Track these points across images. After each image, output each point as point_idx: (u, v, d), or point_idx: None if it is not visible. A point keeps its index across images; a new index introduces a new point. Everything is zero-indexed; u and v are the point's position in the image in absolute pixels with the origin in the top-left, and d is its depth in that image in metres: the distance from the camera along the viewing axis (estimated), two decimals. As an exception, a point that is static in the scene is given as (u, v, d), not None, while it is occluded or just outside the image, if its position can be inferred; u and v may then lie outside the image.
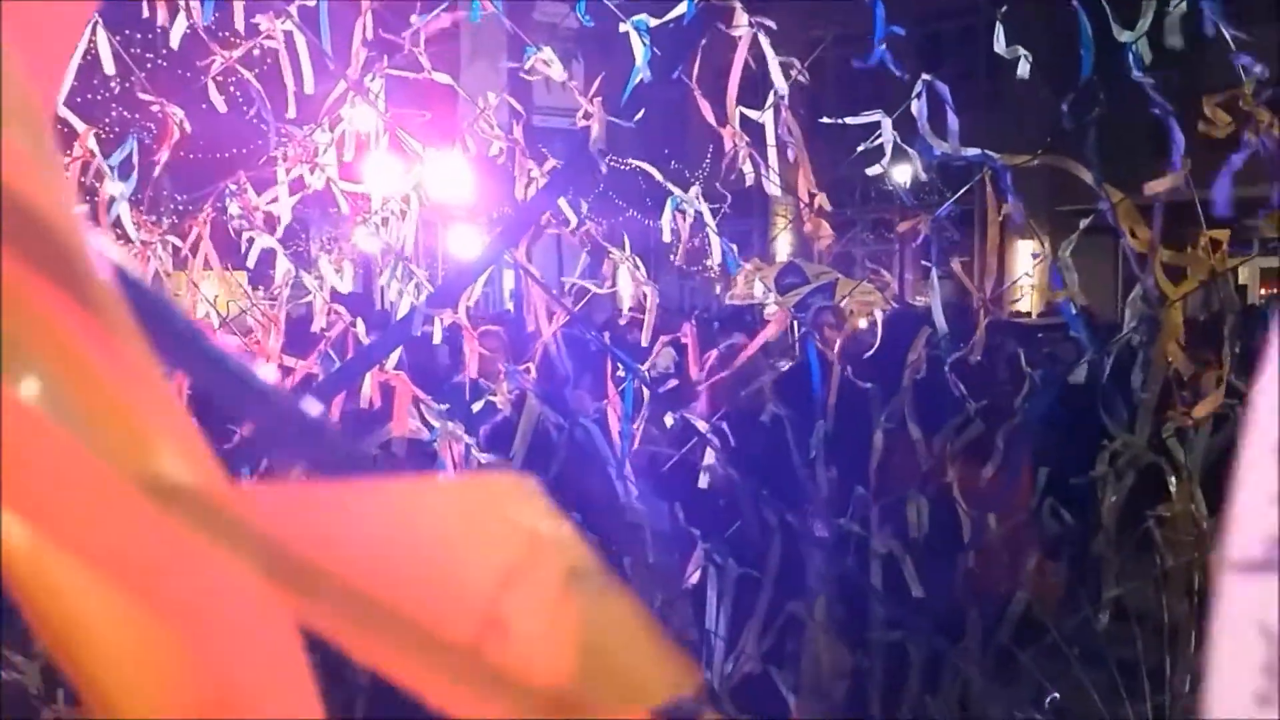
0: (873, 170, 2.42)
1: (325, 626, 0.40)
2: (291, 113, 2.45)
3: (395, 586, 0.39)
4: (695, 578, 2.35)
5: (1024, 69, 2.09)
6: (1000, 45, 2.10)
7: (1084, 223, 2.07)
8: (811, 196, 2.36)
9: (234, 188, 2.45)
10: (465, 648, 0.39)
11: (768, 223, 14.56)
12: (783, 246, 13.22)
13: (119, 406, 0.36)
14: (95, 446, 0.35)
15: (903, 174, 3.01)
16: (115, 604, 0.38)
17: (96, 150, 2.19)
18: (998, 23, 2.06)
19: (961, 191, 2.26)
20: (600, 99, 2.25)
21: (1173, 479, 1.93)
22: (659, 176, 2.36)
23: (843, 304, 5.11)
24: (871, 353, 2.63)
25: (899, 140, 2.35)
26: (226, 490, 0.38)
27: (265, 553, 0.38)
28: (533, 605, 0.40)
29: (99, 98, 5.04)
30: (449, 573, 0.40)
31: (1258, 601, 0.41)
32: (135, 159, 2.33)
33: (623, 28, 2.32)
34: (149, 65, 5.65)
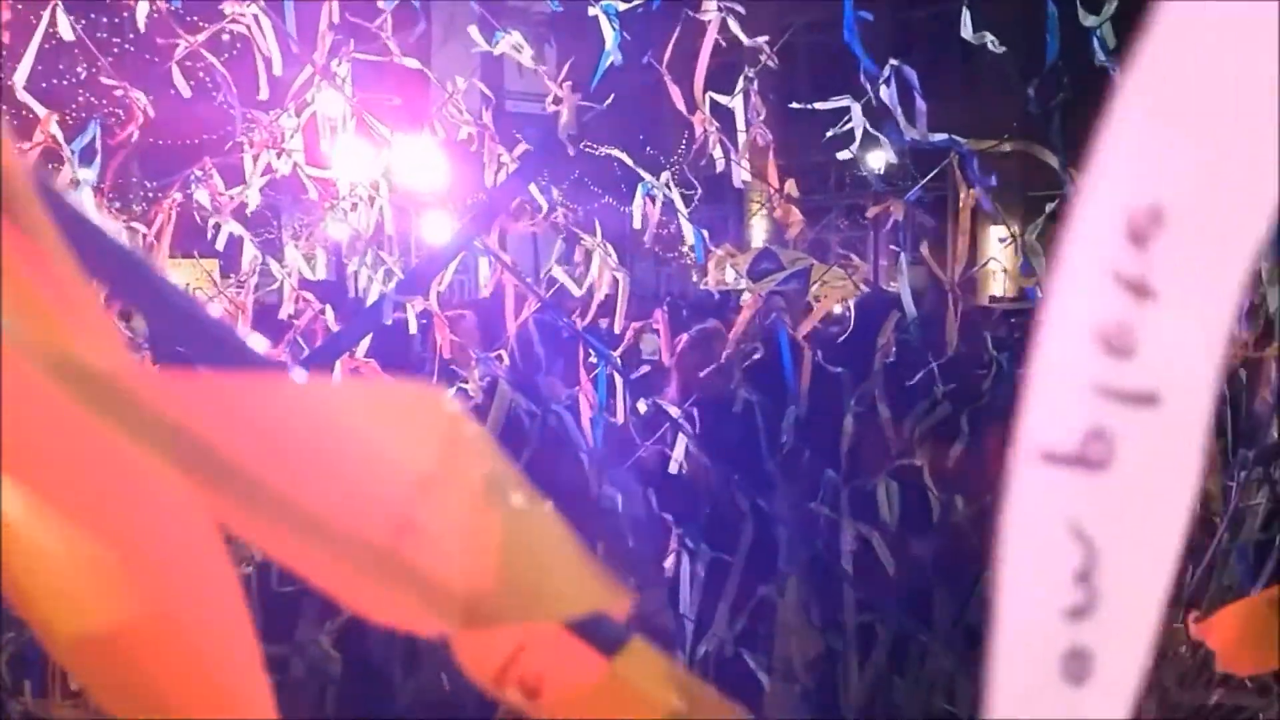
0: (843, 155, 2.43)
1: (239, 524, 0.40)
2: (264, 95, 2.43)
3: (308, 483, 0.39)
4: (670, 564, 2.36)
5: (993, 48, 2.10)
6: (968, 31, 2.10)
7: (1050, 207, 2.08)
8: (781, 182, 2.36)
9: (200, 174, 2.43)
10: (378, 548, 0.39)
11: (744, 209, 14.59)
12: (759, 233, 13.23)
13: (33, 298, 0.36)
14: (9, 334, 0.35)
15: (876, 160, 3.02)
16: (38, 507, 0.38)
17: (59, 135, 2.16)
18: (965, 8, 2.07)
19: (929, 177, 2.27)
20: (570, 84, 2.24)
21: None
22: (629, 162, 2.36)
23: (814, 289, 5.13)
24: (844, 337, 2.64)
25: (869, 126, 2.36)
26: (139, 377, 0.38)
27: (178, 442, 0.37)
28: (449, 511, 0.40)
29: (65, 83, 4.98)
30: (363, 473, 0.39)
31: (1072, 500, 0.37)
32: (98, 144, 2.31)
33: (592, 11, 2.31)
34: (116, 50, 5.58)
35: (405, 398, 0.41)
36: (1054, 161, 2.03)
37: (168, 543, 0.40)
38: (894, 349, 2.41)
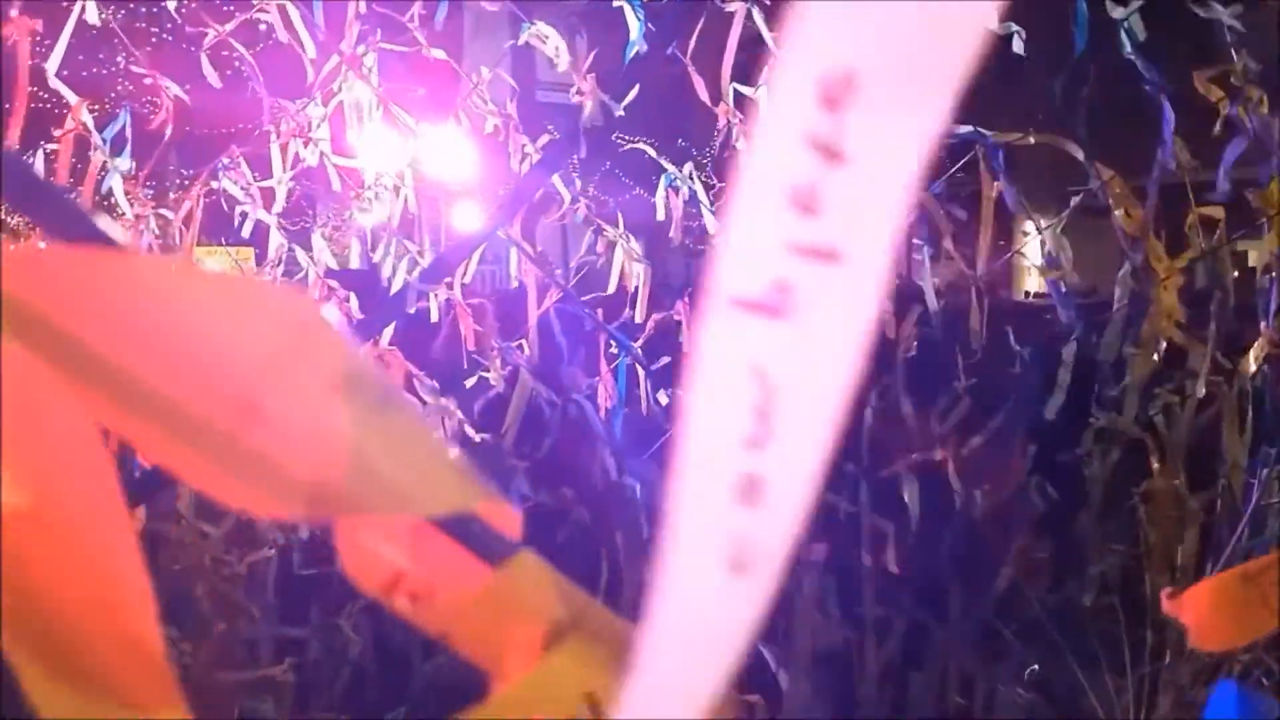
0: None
1: (107, 415, 0.41)
2: (311, 75, 2.44)
3: (156, 363, 0.40)
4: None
5: (1018, 45, 2.08)
6: (994, 22, 2.09)
7: (1074, 200, 2.06)
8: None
9: (227, 162, 2.46)
10: (222, 431, 0.40)
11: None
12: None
13: None
14: None
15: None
16: None
17: (90, 123, 2.20)
18: (990, -1, 2.04)
19: (954, 170, 2.26)
20: (594, 75, 2.25)
21: (1156, 457, 1.93)
22: (652, 153, 2.36)
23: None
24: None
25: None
26: None
27: (34, 322, 0.39)
28: (296, 400, 0.41)
29: (104, 72, 5.05)
30: (210, 356, 0.41)
31: (755, 343, 0.39)
32: (128, 132, 2.34)
33: (617, 2, 2.31)
34: (154, 39, 5.65)
35: (260, 291, 0.43)
36: (1079, 154, 2.01)
37: (46, 435, 0.41)
38: (915, 343, 2.40)
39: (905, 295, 3.31)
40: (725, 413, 0.40)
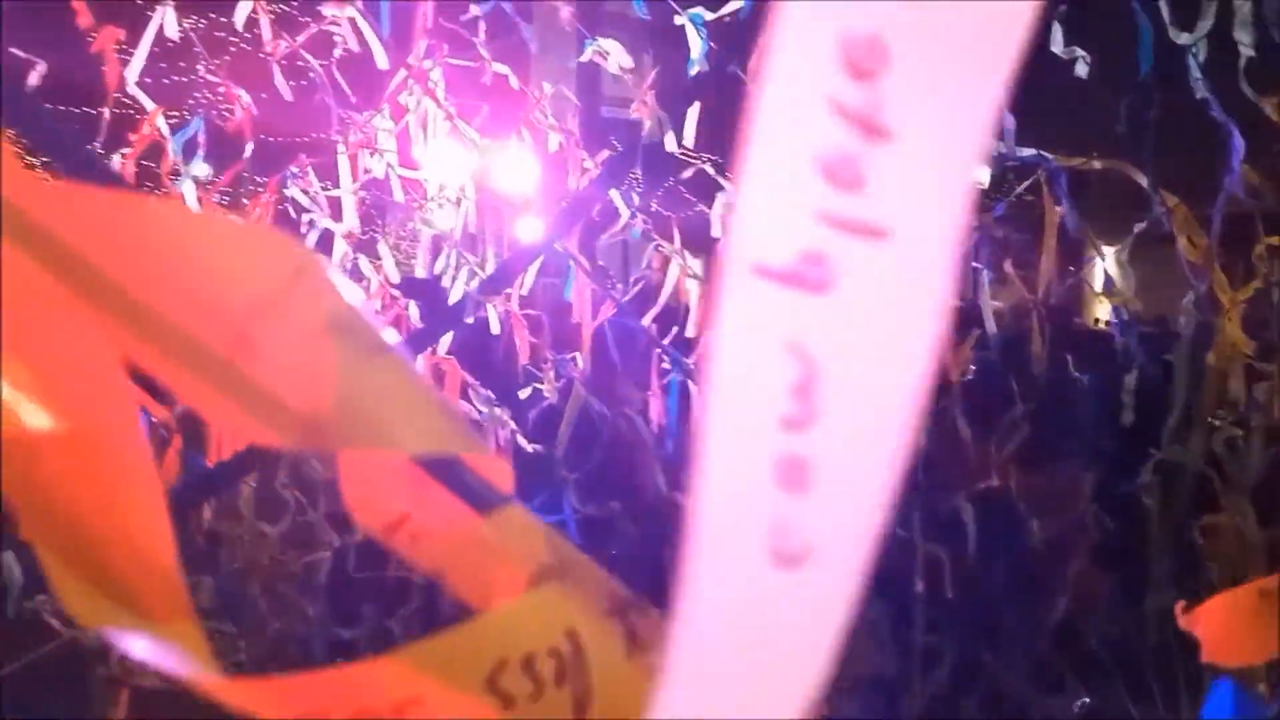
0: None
1: (120, 340, 0.45)
2: (395, 80, 2.49)
3: (160, 292, 0.44)
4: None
5: (1081, 70, 2.06)
6: (1058, 45, 2.06)
7: (1138, 227, 2.03)
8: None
9: (295, 171, 2.52)
10: (219, 358, 0.44)
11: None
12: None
13: None
14: None
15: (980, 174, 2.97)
16: None
17: (165, 130, 2.27)
18: (1056, 23, 2.02)
19: (1017, 193, 2.23)
20: (653, 91, 2.27)
21: (1220, 490, 1.88)
22: (710, 170, 2.37)
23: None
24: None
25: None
26: (17, 179, 0.43)
27: (62, 251, 0.43)
28: (285, 335, 0.45)
29: (183, 80, 5.20)
30: (209, 289, 0.45)
31: (788, 316, 0.36)
32: (200, 138, 2.41)
33: (678, 20, 2.33)
34: (231, 50, 5.80)
35: (258, 234, 0.47)
36: (1143, 180, 1.97)
37: (74, 367, 0.45)
38: (974, 366, 2.37)
39: (965, 318, 3.27)
40: (758, 390, 0.37)
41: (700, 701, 0.40)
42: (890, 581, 2.33)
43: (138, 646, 0.46)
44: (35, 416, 0.45)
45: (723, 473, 0.38)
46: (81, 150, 0.51)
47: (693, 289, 2.34)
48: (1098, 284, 2.54)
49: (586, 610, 0.54)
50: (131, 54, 2.25)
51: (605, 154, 2.44)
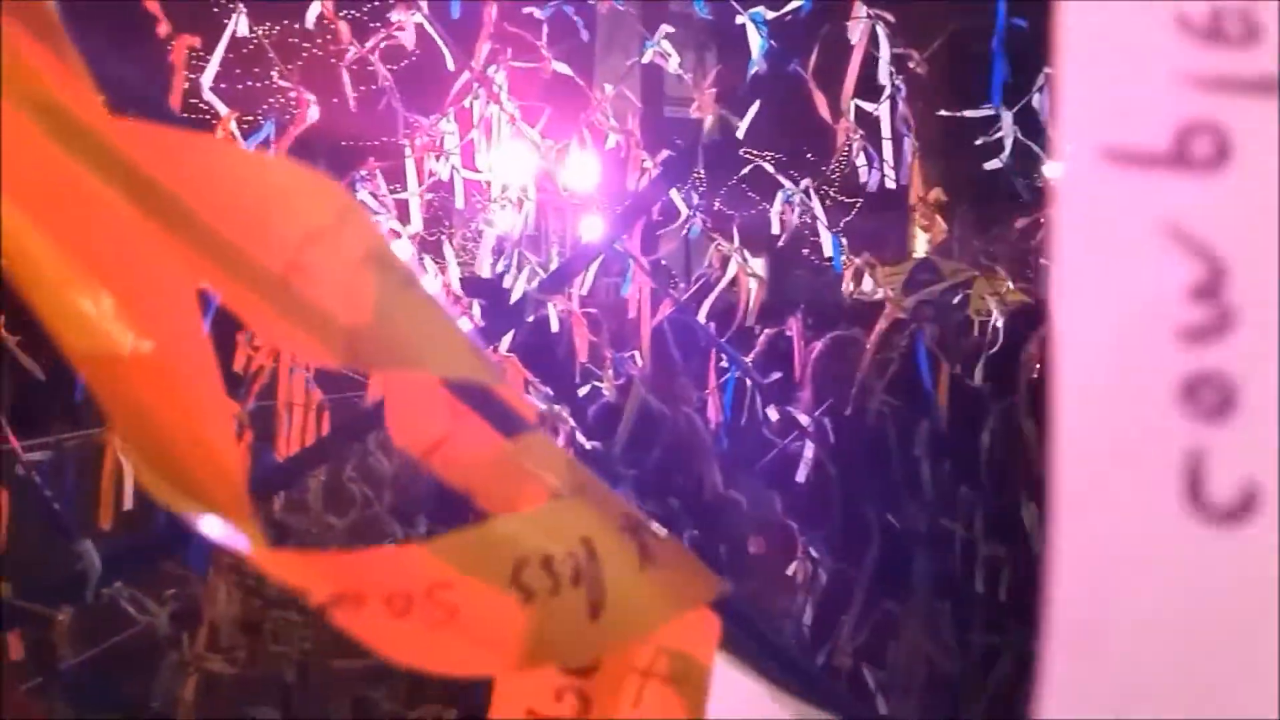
0: (991, 165, 2.38)
1: (191, 263, 0.51)
2: (459, 83, 2.55)
3: (230, 223, 0.51)
4: (794, 570, 2.36)
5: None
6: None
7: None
8: (926, 190, 2.34)
9: (364, 174, 2.57)
10: (274, 275, 0.51)
11: (907, 218, 14.27)
12: (922, 243, 12.92)
13: (28, 68, 0.48)
14: (7, 93, 0.47)
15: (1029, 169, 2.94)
16: (58, 253, 0.50)
17: (238, 135, 2.34)
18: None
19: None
20: (714, 90, 2.28)
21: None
22: (770, 168, 2.37)
23: (975, 303, 4.99)
24: (994, 351, 2.58)
25: (1020, 134, 2.31)
26: (105, 120, 0.50)
27: (135, 180, 0.49)
28: (331, 264, 0.52)
29: (258, 85, 5.34)
30: (266, 218, 0.52)
31: (1174, 205, 0.30)
32: (271, 141, 2.48)
33: (739, 19, 2.34)
34: (303, 55, 5.95)
35: (311, 176, 0.54)
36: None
37: (154, 294, 0.52)
38: (1040, 365, 2.34)
39: (1034, 315, 3.22)
40: (1140, 300, 0.29)
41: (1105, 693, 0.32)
42: (950, 580, 2.31)
43: (206, 526, 0.53)
44: (122, 337, 0.51)
45: (1104, 410, 0.29)
46: (152, 94, 0.61)
47: (752, 287, 2.35)
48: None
49: (603, 524, 0.60)
50: (206, 60, 2.32)
51: (665, 154, 2.45)
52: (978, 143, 2.33)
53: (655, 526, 0.62)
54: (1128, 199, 0.30)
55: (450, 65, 2.49)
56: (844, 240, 2.41)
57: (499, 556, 0.56)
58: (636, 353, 2.37)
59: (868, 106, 2.36)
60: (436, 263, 2.66)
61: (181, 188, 0.50)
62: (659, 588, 0.59)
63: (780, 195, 2.41)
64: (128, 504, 1.96)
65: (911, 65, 2.33)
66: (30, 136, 0.48)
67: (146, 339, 0.52)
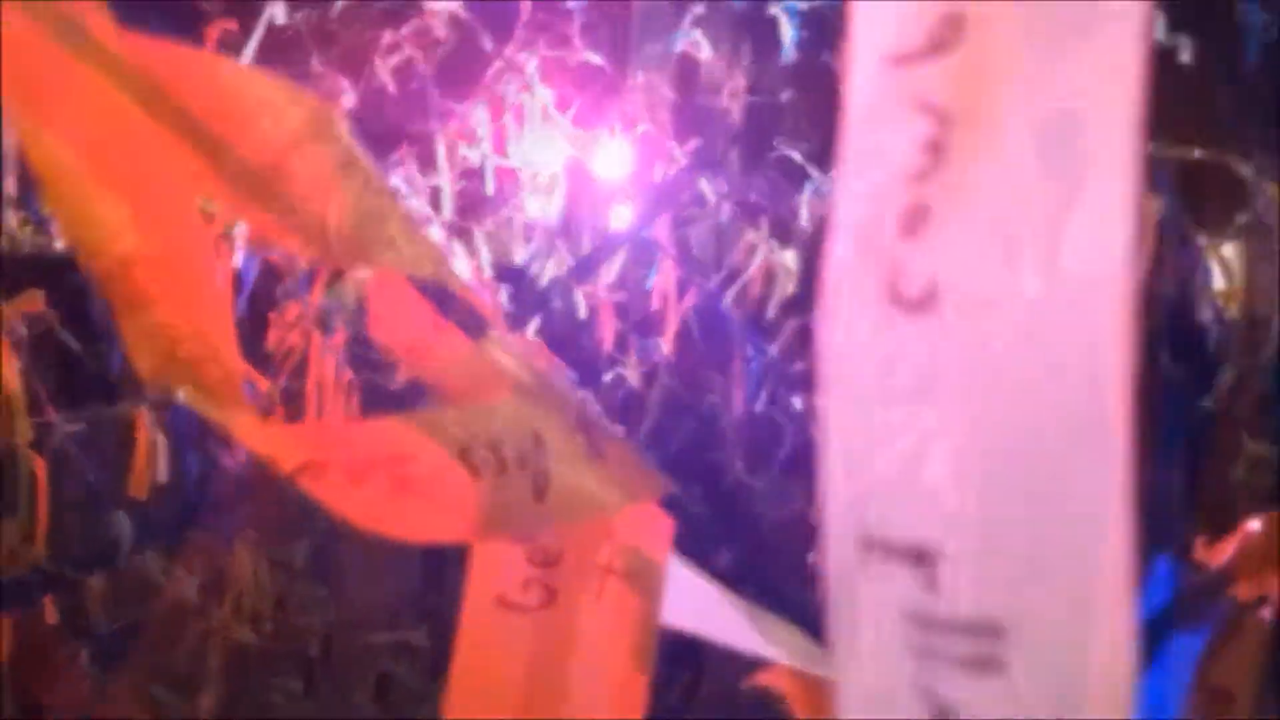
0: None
1: (193, 166, 0.58)
2: (492, 71, 2.57)
3: (226, 128, 0.58)
4: (812, 560, 2.36)
5: (1187, 53, 2.00)
6: (1161, 33, 2.01)
7: (1241, 219, 1.97)
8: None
9: (397, 160, 2.59)
10: (263, 171, 0.58)
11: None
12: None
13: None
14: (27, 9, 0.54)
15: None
16: (79, 162, 0.57)
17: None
18: (1158, 9, 1.97)
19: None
20: (744, 81, 2.28)
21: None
22: (798, 158, 2.38)
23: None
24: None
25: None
26: (111, 30, 0.56)
27: (142, 87, 0.55)
28: (311, 169, 0.58)
29: (293, 72, 5.39)
30: (257, 121, 0.59)
31: (921, 82, 0.37)
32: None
33: (772, 10, 2.34)
34: (338, 42, 5.97)
35: (294, 90, 0.62)
36: (1247, 172, 1.92)
37: (159, 197, 0.59)
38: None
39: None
40: (888, 155, 0.38)
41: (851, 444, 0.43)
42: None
43: (201, 406, 0.61)
44: (130, 240, 0.58)
45: (858, 246, 0.40)
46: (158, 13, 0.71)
47: (780, 277, 2.35)
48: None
49: (554, 419, 0.68)
50: (243, 44, 2.35)
51: (695, 143, 2.46)
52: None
53: (605, 425, 0.74)
54: (895, 89, 0.38)
55: (485, 50, 2.50)
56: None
57: (451, 434, 0.64)
58: (661, 340, 2.38)
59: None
60: (468, 248, 2.68)
61: (182, 94, 0.57)
62: (606, 480, 0.69)
63: (809, 185, 2.41)
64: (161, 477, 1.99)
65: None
66: (52, 51, 0.53)
67: (152, 242, 0.58)
